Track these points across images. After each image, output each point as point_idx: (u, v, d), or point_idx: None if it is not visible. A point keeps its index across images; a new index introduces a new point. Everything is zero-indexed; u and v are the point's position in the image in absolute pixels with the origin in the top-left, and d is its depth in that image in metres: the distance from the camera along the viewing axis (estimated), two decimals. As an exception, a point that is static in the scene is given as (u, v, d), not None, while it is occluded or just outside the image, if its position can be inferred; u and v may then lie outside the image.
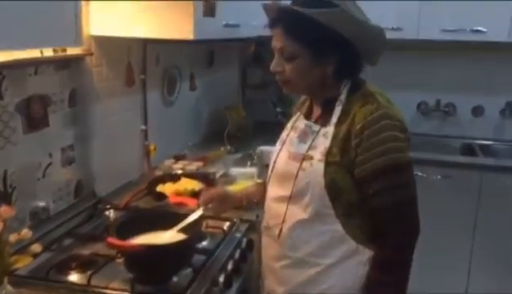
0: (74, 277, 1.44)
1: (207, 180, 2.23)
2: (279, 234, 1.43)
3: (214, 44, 3.07)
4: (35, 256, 1.33)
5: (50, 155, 1.71)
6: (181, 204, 1.57)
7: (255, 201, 1.62)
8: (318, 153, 1.33)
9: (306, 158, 1.35)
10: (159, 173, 2.37)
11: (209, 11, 1.47)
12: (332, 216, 1.34)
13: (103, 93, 2.00)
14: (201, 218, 1.50)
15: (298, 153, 1.38)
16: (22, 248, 1.37)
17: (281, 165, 1.44)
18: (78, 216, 1.83)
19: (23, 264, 1.23)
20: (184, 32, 1.78)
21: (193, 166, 2.47)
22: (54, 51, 1.69)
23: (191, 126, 2.93)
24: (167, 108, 2.61)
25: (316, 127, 1.39)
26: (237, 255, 1.66)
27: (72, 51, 1.77)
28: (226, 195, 1.59)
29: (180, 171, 2.36)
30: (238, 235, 1.77)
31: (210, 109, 3.18)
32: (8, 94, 1.49)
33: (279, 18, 1.33)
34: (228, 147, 2.85)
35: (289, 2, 1.33)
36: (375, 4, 2.81)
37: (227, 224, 1.83)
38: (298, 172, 1.36)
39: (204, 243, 1.69)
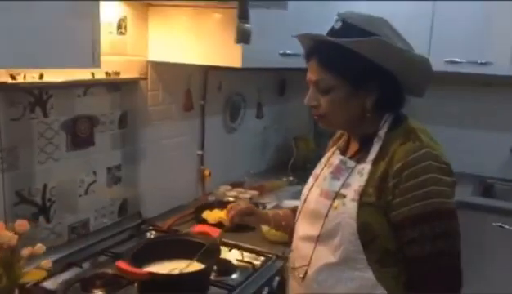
0: (91, 296, 1.45)
1: (254, 210, 2.17)
2: (303, 277, 1.31)
3: (286, 72, 3.03)
4: (49, 271, 1.35)
5: (94, 173, 1.77)
6: (203, 233, 1.52)
7: (283, 224, 1.53)
8: (352, 192, 1.21)
9: (338, 196, 1.24)
10: (211, 199, 2.36)
11: (242, 37, 1.42)
12: (363, 262, 1.21)
13: (157, 116, 2.05)
14: (216, 248, 1.44)
15: (331, 190, 1.27)
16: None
17: (312, 202, 1.34)
18: (119, 234, 1.87)
19: (33, 278, 1.26)
20: (233, 59, 1.77)
21: (247, 194, 2.42)
22: (106, 74, 1.77)
23: (255, 154, 2.90)
24: (228, 134, 2.61)
25: (351, 164, 1.27)
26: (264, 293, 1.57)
27: (125, 74, 1.84)
28: (253, 210, 1.54)
29: (231, 199, 2.33)
30: (270, 273, 1.67)
31: (278, 139, 3.13)
32: (53, 113, 1.57)
33: (314, 49, 1.25)
34: (291, 178, 2.76)
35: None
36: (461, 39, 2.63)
37: (262, 259, 1.75)
38: (328, 211, 1.25)
39: (234, 277, 1.62)
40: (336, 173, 1.28)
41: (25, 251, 1.24)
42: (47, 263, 1.28)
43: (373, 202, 1.17)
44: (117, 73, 1.81)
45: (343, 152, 1.34)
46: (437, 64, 2.43)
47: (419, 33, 2.51)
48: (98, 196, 1.80)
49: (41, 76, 1.51)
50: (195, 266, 1.41)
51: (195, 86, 2.25)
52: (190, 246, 1.48)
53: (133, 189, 1.99)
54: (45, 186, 1.59)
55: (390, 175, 1.16)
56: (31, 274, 1.26)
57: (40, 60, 1.07)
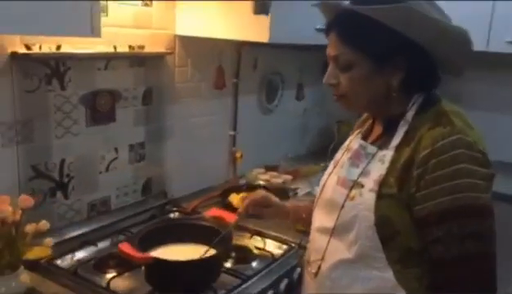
0: (102, 276, 1.40)
1: (284, 195, 2.06)
2: (316, 273, 1.19)
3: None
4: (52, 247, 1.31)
5: (116, 150, 1.72)
6: (217, 218, 1.42)
7: (303, 216, 1.40)
8: (371, 182, 1.07)
9: (356, 185, 1.10)
10: (242, 182, 2.27)
11: (260, 7, 1.30)
12: (382, 261, 1.07)
13: (185, 94, 1.97)
14: (228, 235, 1.34)
15: (348, 178, 1.14)
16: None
17: (329, 191, 1.21)
18: (141, 214, 1.82)
19: (36, 255, 1.22)
20: (259, 33, 1.65)
21: (280, 179, 2.31)
22: (130, 47, 1.70)
23: (293, 138, 2.77)
24: (264, 115, 2.50)
25: (371, 149, 1.12)
26: (282, 286, 1.46)
27: (150, 48, 1.77)
28: (271, 201, 1.41)
29: (261, 183, 2.23)
30: (292, 263, 1.56)
31: (320, 122, 2.98)
32: (72, 86, 1.53)
33: (333, 21, 1.11)
34: (328, 164, 2.61)
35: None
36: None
37: (285, 247, 1.64)
38: (345, 201, 1.12)
39: (252, 265, 1.53)
40: (355, 159, 1.14)
41: (29, 228, 1.20)
42: (49, 241, 1.23)
43: (394, 193, 1.03)
44: (141, 47, 1.74)
45: (366, 136, 1.20)
46: (497, 45, 2.23)
47: (479, 9, 2.26)
48: (120, 173, 1.76)
49: (58, 47, 1.47)
50: (207, 252, 1.32)
51: (228, 63, 2.15)
52: (202, 230, 1.39)
53: (158, 168, 1.93)
54: (63, 161, 1.55)
55: (415, 163, 1.00)
56: (34, 251, 1.22)
57: (29, 24, 0.99)
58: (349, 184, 1.12)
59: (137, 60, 1.73)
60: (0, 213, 1.14)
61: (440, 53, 1.05)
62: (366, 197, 1.06)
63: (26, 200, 1.19)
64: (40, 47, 1.42)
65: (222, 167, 2.27)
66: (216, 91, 2.12)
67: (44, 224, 1.22)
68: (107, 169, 1.71)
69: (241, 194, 2.00)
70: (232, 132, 2.29)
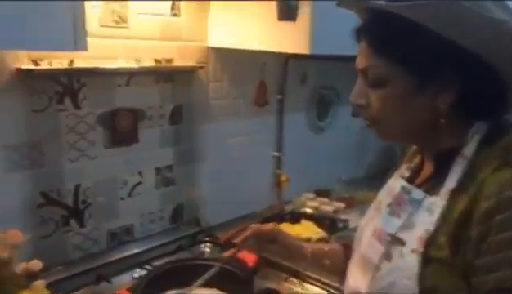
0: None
1: (332, 227, 1.81)
2: None
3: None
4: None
5: (140, 174, 1.57)
6: (236, 259, 1.21)
7: (327, 263, 1.13)
8: (414, 239, 0.81)
9: (394, 241, 0.84)
10: (288, 208, 2.04)
11: (284, 13, 1.08)
12: None
13: (220, 112, 1.79)
14: (249, 280, 1.12)
15: (385, 231, 0.88)
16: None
17: (364, 243, 0.95)
18: (168, 244, 1.64)
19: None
20: (299, 45, 1.43)
21: (331, 206, 2.05)
22: (156, 61, 1.55)
23: (349, 159, 2.49)
24: (314, 134, 2.26)
25: (417, 194, 0.85)
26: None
27: (180, 62, 1.61)
28: (277, 236, 1.12)
29: (308, 210, 1.99)
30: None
31: (380, 141, 2.67)
32: (87, 104, 1.39)
33: (365, 25, 0.87)
34: (390, 189, 2.31)
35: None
36: None
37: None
38: (380, 262, 0.86)
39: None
40: (396, 206, 0.87)
41: (19, 267, 1.05)
42: (39, 284, 1.08)
43: (445, 257, 0.75)
44: (169, 61, 1.58)
45: (414, 175, 0.93)
46: None
47: None
48: (145, 199, 1.60)
49: (71, 62, 1.34)
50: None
51: (271, 78, 1.95)
52: (217, 273, 1.18)
53: (190, 193, 1.75)
54: (77, 187, 1.42)
55: (474, 218, 0.73)
56: None
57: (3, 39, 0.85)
58: (386, 239, 0.85)
59: (164, 74, 1.58)
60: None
61: (503, 64, 0.78)
62: (408, 259, 0.79)
63: (15, 235, 1.05)
64: (50, 63, 1.30)
65: (264, 192, 2.06)
66: (256, 108, 1.92)
67: (35, 264, 1.07)
68: (130, 194, 1.55)
69: (283, 225, 1.79)
70: (277, 153, 2.07)
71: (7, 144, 1.24)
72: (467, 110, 0.80)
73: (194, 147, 1.72)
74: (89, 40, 0.95)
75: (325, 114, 2.29)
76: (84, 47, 0.94)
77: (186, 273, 1.21)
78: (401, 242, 0.82)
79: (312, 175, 2.22)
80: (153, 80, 1.55)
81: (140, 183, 1.58)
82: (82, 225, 1.45)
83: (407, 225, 0.83)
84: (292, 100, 2.06)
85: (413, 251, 0.79)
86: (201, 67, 1.66)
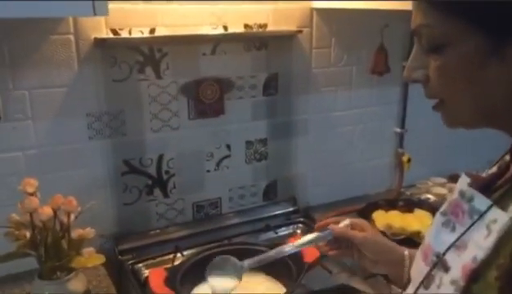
0: None
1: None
2: None
3: None
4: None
5: (228, 147, 1.50)
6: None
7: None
8: (459, 267, 0.58)
9: (440, 263, 0.62)
10: (409, 193, 1.78)
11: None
12: None
13: (326, 81, 1.60)
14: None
15: (432, 248, 0.66)
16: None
17: (417, 259, 0.73)
18: (255, 222, 1.56)
19: (81, 264, 1.10)
20: None
21: (462, 197, 1.71)
22: (246, 26, 1.43)
23: (499, 137, 2.04)
24: (453, 109, 1.89)
25: (481, 203, 0.61)
26: None
27: (275, 26, 1.46)
28: (354, 237, 0.91)
29: (430, 197, 1.70)
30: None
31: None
32: (170, 74, 1.36)
33: None
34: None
35: None
36: None
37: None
38: (419, 286, 0.66)
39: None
40: (452, 216, 0.64)
41: (75, 233, 1.09)
42: (91, 251, 1.10)
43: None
44: (263, 26, 1.44)
45: (498, 176, 0.66)
46: None
47: None
48: (233, 173, 1.53)
49: (152, 30, 1.31)
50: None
51: (393, 42, 1.66)
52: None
53: (286, 170, 1.63)
54: (161, 157, 1.41)
55: None
56: (83, 260, 1.10)
57: (11, 7, 0.83)
58: (431, 259, 0.63)
59: (257, 41, 1.45)
60: (41, 215, 1.05)
61: None
62: (445, 291, 0.58)
63: (69, 203, 1.08)
64: (130, 32, 1.28)
65: (380, 173, 1.82)
66: (374, 77, 1.67)
67: (89, 232, 1.10)
68: (217, 167, 1.50)
69: (391, 213, 1.56)
70: (399, 130, 1.79)
71: (89, 112, 1.28)
72: None
73: (291, 120, 1.58)
74: (170, 6, 0.85)
75: (469, 85, 1.89)
76: (104, 12, 0.87)
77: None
78: (446, 268, 0.60)
79: (445, 157, 1.88)
80: (242, 48, 1.44)
81: (228, 156, 1.51)
82: (166, 195, 1.45)
83: (460, 245, 0.60)
84: (422, 67, 1.74)
85: (453, 282, 0.57)
86: (299, 32, 1.48)
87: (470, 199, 0.62)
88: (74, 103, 1.26)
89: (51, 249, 1.09)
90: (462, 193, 0.63)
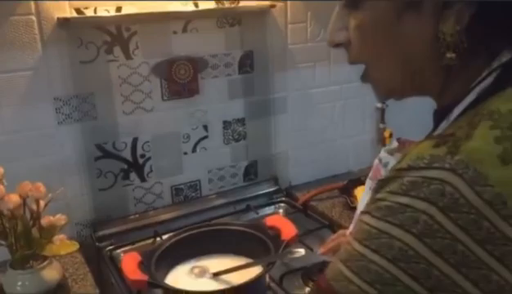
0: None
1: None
2: None
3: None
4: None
5: (205, 128, 1.46)
6: (274, 229, 1.04)
7: None
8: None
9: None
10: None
11: None
12: None
13: (303, 57, 1.56)
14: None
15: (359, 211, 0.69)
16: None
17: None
18: (239, 202, 1.54)
19: (53, 252, 1.07)
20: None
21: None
22: (218, 2, 1.38)
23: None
24: (434, 81, 1.87)
25: (385, 158, 0.67)
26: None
27: (248, 1, 1.42)
28: None
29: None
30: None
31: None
32: (140, 54, 1.31)
33: None
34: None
35: None
36: None
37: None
38: None
39: None
40: (373, 179, 0.67)
41: (45, 220, 1.06)
42: (62, 238, 1.07)
43: None
44: (235, 1, 1.40)
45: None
46: None
47: None
48: (211, 154, 1.50)
49: (118, 9, 1.26)
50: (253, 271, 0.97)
51: (370, 15, 1.62)
52: (250, 241, 1.04)
53: (267, 149, 1.60)
54: (135, 140, 1.37)
55: None
56: (52, 248, 1.07)
57: None
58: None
59: (229, 17, 1.41)
60: (8, 204, 1.01)
61: None
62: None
63: (37, 189, 1.04)
64: (95, 10, 1.24)
65: (362, 150, 1.79)
66: (352, 51, 1.63)
67: (59, 219, 1.06)
68: (194, 149, 1.47)
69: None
70: (380, 105, 1.76)
71: (57, 96, 1.24)
72: (485, 38, 0.49)
73: (269, 98, 1.54)
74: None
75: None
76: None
77: (217, 240, 1.10)
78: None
79: (427, 130, 1.86)
80: (215, 24, 1.40)
81: (205, 137, 1.47)
82: (143, 179, 1.42)
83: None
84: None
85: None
86: (273, 6, 1.44)
87: (386, 164, 0.63)
88: (40, 87, 1.21)
89: (22, 238, 1.06)
90: (380, 159, 0.64)
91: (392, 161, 0.64)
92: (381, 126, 1.78)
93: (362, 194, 0.71)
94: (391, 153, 0.69)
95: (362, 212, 0.48)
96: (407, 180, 0.44)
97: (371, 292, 0.44)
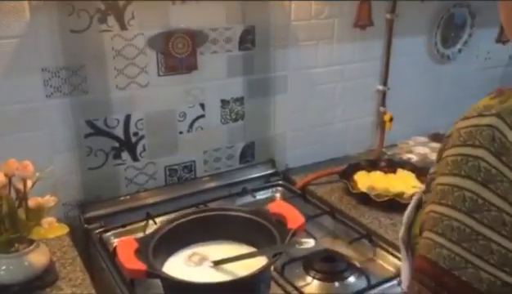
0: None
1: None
2: None
3: None
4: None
5: (201, 106, 1.39)
6: (278, 215, 0.98)
7: None
8: None
9: None
10: (390, 153, 1.72)
11: None
12: None
13: (307, 35, 1.49)
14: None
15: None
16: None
17: None
18: (236, 185, 1.47)
19: (41, 235, 1.00)
20: None
21: (445, 156, 1.66)
22: (220, -28, 1.30)
23: (481, 96, 1.99)
24: (437, 64, 1.81)
25: None
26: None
27: (252, -27, 1.33)
28: None
29: (413, 158, 1.64)
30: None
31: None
32: (136, 25, 1.22)
33: None
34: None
35: None
36: None
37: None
38: None
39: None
40: None
41: (32, 202, 0.98)
42: (51, 220, 0.99)
43: None
44: (238, -28, 1.32)
45: None
46: None
47: None
48: (208, 134, 1.43)
49: (113, -25, 1.17)
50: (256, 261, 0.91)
51: (377, -7, 1.55)
52: (252, 227, 0.98)
53: (265, 131, 1.53)
54: (128, 117, 1.29)
55: None
56: (40, 231, 1.00)
57: None
58: None
59: (231, -11, 1.32)
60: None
61: None
62: None
63: (25, 168, 0.96)
64: (88, -24, 1.14)
65: (362, 133, 1.74)
66: (356, 31, 1.57)
67: (48, 200, 0.99)
68: (190, 128, 1.39)
69: (374, 173, 1.49)
70: (381, 87, 1.71)
71: (45, 67, 1.15)
72: None
73: (269, 77, 1.47)
74: None
75: (453, 39, 1.82)
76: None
77: (216, 226, 1.04)
78: None
79: (429, 116, 1.83)
80: (217, -4, 1.31)
81: (202, 116, 1.40)
82: (135, 159, 1.34)
83: None
84: (407, 20, 1.64)
85: None
86: (278, -21, 1.36)
87: None
88: (27, 56, 1.12)
89: (7, 220, 0.99)
90: None
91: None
92: (381, 109, 1.73)
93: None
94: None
95: (431, 174, 0.54)
96: (464, 132, 0.49)
97: (463, 255, 0.45)
